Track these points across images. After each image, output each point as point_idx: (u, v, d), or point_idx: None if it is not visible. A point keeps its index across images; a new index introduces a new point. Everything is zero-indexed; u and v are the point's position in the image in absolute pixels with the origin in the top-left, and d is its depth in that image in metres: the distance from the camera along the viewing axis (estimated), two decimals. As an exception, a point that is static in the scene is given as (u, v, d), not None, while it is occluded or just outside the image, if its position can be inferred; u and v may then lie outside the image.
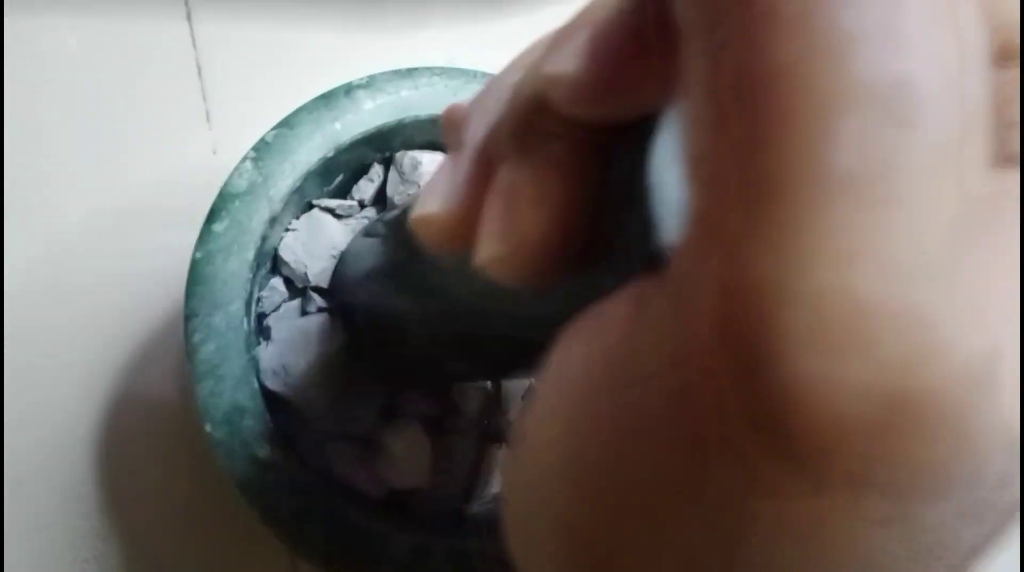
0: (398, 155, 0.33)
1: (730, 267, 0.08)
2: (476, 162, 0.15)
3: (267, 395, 0.29)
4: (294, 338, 0.30)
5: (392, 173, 0.34)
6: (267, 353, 0.30)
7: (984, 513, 0.09)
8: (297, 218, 0.32)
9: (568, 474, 0.11)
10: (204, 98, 0.42)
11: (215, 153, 0.40)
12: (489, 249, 0.14)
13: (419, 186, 0.33)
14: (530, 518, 0.12)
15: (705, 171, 0.09)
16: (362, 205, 0.34)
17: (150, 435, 0.36)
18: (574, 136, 0.13)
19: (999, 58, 0.09)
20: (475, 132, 0.15)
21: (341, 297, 0.31)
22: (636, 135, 0.12)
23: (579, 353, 0.11)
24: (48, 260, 0.38)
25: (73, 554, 0.35)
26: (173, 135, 0.40)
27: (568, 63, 0.12)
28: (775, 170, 0.08)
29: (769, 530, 0.09)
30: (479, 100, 0.16)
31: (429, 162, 0.33)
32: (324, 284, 0.32)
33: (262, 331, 0.31)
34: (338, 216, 0.33)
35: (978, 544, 0.09)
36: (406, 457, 0.31)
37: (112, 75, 0.41)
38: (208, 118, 0.41)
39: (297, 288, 0.32)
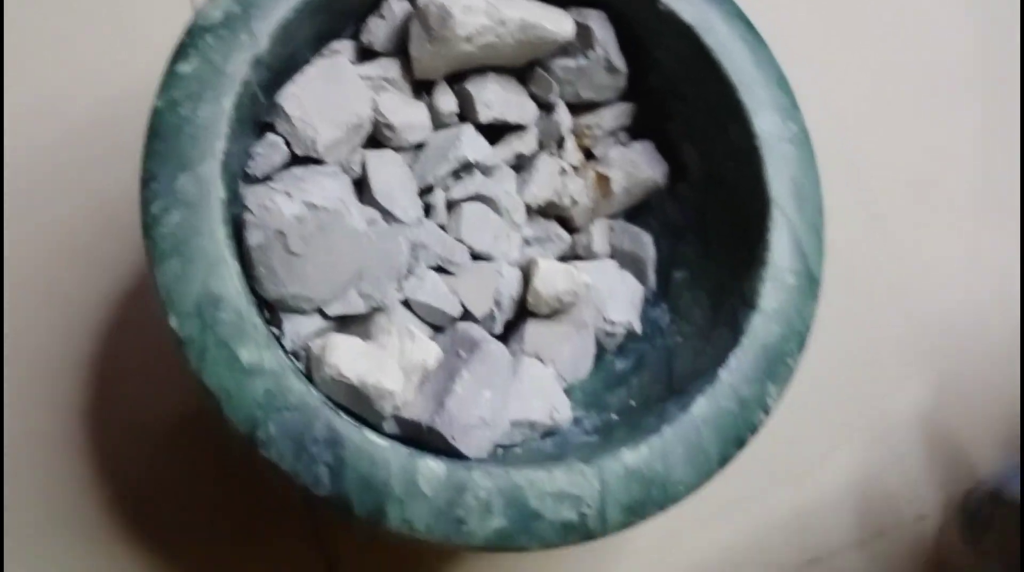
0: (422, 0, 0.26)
1: None
2: None
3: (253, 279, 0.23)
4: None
5: (415, 25, 0.26)
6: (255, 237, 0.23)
7: None
8: (309, 61, 0.25)
9: None
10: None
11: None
12: None
13: (452, 38, 0.25)
14: None
15: None
16: (368, 52, 0.27)
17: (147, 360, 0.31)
18: None
19: None
20: None
21: None
22: None
23: None
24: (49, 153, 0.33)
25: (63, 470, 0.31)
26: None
27: None
28: None
29: None
30: None
31: (462, 13, 0.26)
32: (339, 159, 0.25)
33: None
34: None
35: None
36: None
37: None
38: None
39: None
